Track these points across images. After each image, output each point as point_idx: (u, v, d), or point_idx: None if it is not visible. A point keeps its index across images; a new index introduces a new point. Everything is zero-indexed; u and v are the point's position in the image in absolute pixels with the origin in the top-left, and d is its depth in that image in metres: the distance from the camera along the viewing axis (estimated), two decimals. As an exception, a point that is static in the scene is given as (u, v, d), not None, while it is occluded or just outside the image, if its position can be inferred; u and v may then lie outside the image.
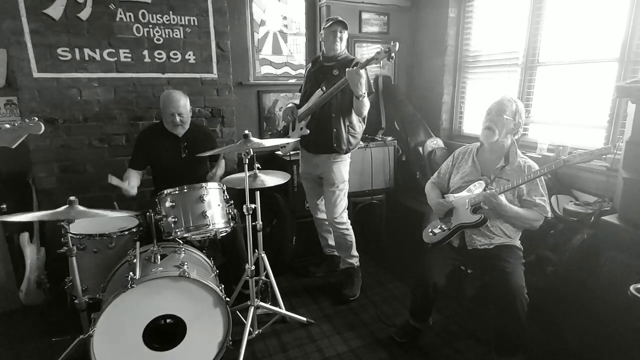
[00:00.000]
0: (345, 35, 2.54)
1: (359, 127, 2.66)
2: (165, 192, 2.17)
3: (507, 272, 1.96)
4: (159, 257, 1.99)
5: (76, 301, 1.80)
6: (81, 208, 1.67)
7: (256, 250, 2.43)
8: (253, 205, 2.17)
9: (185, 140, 2.60)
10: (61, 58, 2.70)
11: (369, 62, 2.31)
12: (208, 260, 2.28)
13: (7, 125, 1.84)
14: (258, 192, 2.31)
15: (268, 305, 2.38)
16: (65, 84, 2.75)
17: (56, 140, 2.79)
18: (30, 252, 2.57)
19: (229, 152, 2.86)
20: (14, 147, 1.87)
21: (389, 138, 3.47)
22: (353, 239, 2.81)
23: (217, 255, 2.67)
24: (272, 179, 2.28)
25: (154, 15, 2.87)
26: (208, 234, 2.23)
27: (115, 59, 2.84)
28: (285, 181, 2.33)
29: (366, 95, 2.42)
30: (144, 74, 2.94)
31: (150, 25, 2.88)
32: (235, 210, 2.33)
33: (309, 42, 3.71)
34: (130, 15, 2.81)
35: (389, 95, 3.74)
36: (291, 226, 3.14)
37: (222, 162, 2.81)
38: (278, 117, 3.61)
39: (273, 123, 3.63)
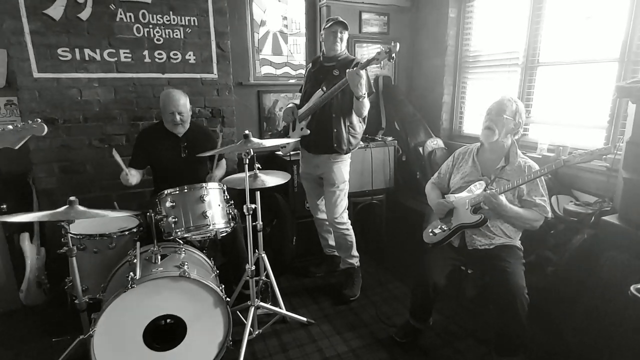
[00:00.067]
0: (345, 35, 2.55)
1: (359, 127, 2.66)
2: (166, 192, 2.17)
3: (507, 272, 1.96)
4: (159, 257, 2.00)
5: (76, 301, 1.80)
6: (81, 208, 1.67)
7: (256, 251, 2.43)
8: (253, 206, 2.17)
9: (185, 140, 2.60)
10: (61, 58, 2.70)
11: (369, 62, 2.31)
12: (208, 261, 2.28)
13: (10, 127, 1.85)
14: (258, 192, 2.31)
15: (268, 306, 2.38)
16: (66, 84, 2.75)
17: (56, 141, 2.79)
18: (31, 252, 2.57)
19: (229, 152, 2.86)
20: (16, 148, 1.88)
21: (389, 138, 3.47)
22: (353, 239, 2.81)
23: (217, 256, 2.67)
24: (272, 179, 2.28)
25: (154, 16, 2.87)
26: (208, 234, 2.23)
27: (116, 59, 2.84)
28: (286, 181, 2.34)
29: (366, 95, 2.42)
30: (144, 74, 2.94)
31: (151, 26, 2.88)
32: (236, 211, 2.33)
33: (309, 42, 3.72)
34: (130, 16, 2.81)
35: (389, 96, 3.74)
36: (291, 226, 3.14)
37: (223, 162, 2.82)
38: (278, 118, 3.61)
39: (273, 123, 3.63)
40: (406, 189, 3.59)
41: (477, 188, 2.13)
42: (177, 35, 2.96)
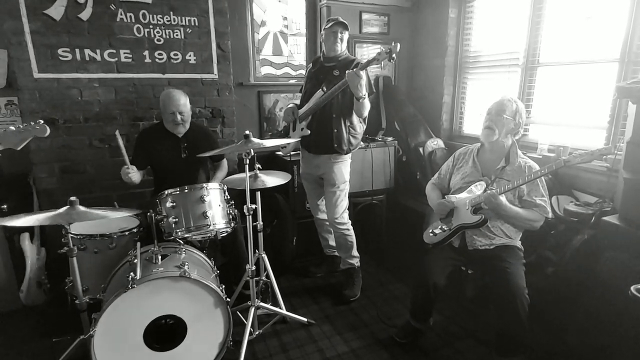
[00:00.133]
0: (345, 35, 2.55)
1: (360, 127, 2.66)
2: (166, 192, 2.17)
3: (507, 272, 1.96)
4: (159, 257, 1.99)
5: (77, 301, 1.80)
6: (82, 208, 1.67)
7: (257, 251, 2.43)
8: (254, 206, 2.17)
9: (185, 140, 2.60)
10: (62, 58, 2.70)
11: (369, 63, 2.31)
12: (209, 261, 2.28)
13: (12, 128, 1.86)
14: (259, 192, 2.31)
15: (268, 306, 2.39)
16: (66, 84, 2.75)
17: (57, 141, 2.79)
18: (31, 253, 2.57)
19: (229, 153, 2.86)
20: (18, 149, 1.89)
21: (390, 138, 3.47)
22: (354, 239, 2.81)
23: (217, 256, 2.67)
24: (272, 180, 2.28)
25: (155, 16, 2.87)
26: (209, 234, 2.23)
27: (116, 59, 2.84)
28: (286, 181, 2.34)
29: (366, 96, 2.42)
30: (144, 74, 2.94)
31: (151, 26, 2.88)
32: (236, 211, 2.33)
33: (309, 42, 3.72)
34: (130, 16, 2.81)
35: (390, 96, 3.74)
36: (292, 226, 3.14)
37: (225, 162, 2.82)
38: (278, 118, 3.61)
39: (273, 123, 3.63)
40: (406, 189, 3.59)
41: (478, 188, 2.13)
42: (177, 35, 2.96)
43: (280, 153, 3.11)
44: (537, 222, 2.07)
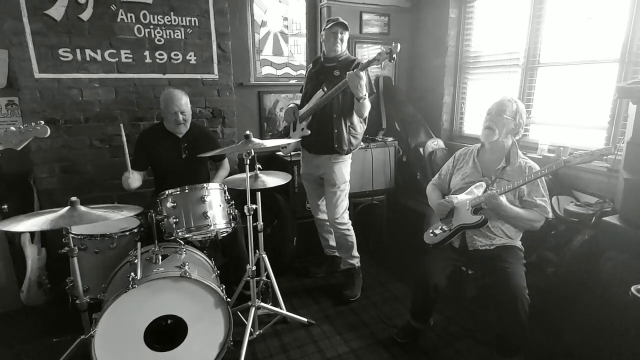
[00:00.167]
0: (346, 36, 2.55)
1: (360, 127, 2.66)
2: (167, 192, 2.18)
3: (508, 272, 1.96)
4: (160, 257, 2.00)
5: (77, 301, 1.80)
6: (83, 208, 1.67)
7: (257, 251, 2.43)
8: (254, 206, 2.18)
9: (185, 140, 2.60)
10: (62, 59, 2.71)
11: (370, 63, 2.31)
12: (209, 261, 2.29)
13: (13, 128, 1.87)
14: (259, 192, 2.31)
15: (269, 306, 2.39)
16: (67, 84, 2.76)
17: (57, 141, 2.80)
18: (31, 253, 2.57)
19: (229, 153, 2.86)
20: (19, 149, 1.89)
21: (390, 139, 3.47)
22: (354, 239, 2.81)
23: (217, 256, 2.67)
24: (273, 180, 2.28)
25: (155, 16, 2.87)
26: (209, 235, 2.23)
27: (117, 59, 2.84)
28: (286, 182, 2.34)
29: (367, 96, 2.42)
30: (145, 74, 2.94)
31: (152, 26, 2.88)
32: (236, 211, 2.33)
33: (309, 42, 3.72)
34: (131, 16, 2.81)
35: (390, 96, 3.74)
36: (292, 227, 3.14)
37: (226, 162, 2.82)
38: (279, 118, 3.61)
39: (274, 124, 3.63)
40: (406, 190, 3.59)
41: (478, 189, 2.14)
42: (177, 35, 2.97)
43: (280, 153, 3.11)
44: (538, 223, 2.07)
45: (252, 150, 2.06)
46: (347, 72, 2.30)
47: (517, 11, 3.05)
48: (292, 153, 2.99)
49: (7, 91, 2.80)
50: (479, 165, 2.22)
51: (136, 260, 1.91)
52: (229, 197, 2.32)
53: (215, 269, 2.26)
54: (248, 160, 2.06)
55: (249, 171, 2.10)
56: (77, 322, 1.83)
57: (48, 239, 2.75)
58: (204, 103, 3.17)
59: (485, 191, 2.09)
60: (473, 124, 3.67)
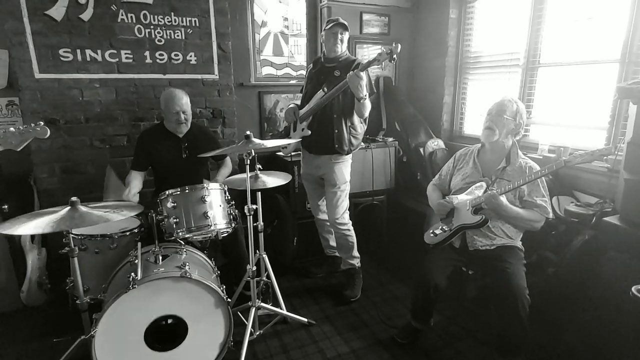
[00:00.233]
0: (346, 36, 2.55)
1: (361, 127, 2.66)
2: (167, 192, 2.17)
3: (508, 273, 1.96)
4: (160, 257, 2.00)
5: (77, 302, 1.80)
6: (84, 208, 1.66)
7: (257, 251, 2.43)
8: (254, 206, 2.18)
9: (186, 140, 2.61)
10: (63, 59, 2.71)
11: (370, 63, 2.31)
12: (209, 261, 2.29)
13: (12, 129, 1.87)
14: (259, 192, 2.31)
15: (269, 306, 2.39)
16: (67, 84, 2.76)
17: (57, 141, 2.80)
18: (32, 253, 2.57)
19: (230, 153, 2.86)
20: (18, 150, 1.89)
21: (390, 139, 3.47)
22: (354, 239, 2.81)
23: (218, 256, 2.67)
24: (273, 180, 2.28)
25: (156, 16, 2.88)
26: (209, 235, 2.22)
27: (117, 59, 2.85)
28: (287, 182, 2.34)
29: (367, 96, 2.42)
30: (145, 74, 2.94)
31: (152, 26, 2.89)
32: (237, 211, 2.33)
33: (309, 43, 3.72)
34: (131, 16, 2.82)
35: (390, 96, 3.75)
36: (292, 227, 3.14)
37: (228, 160, 2.82)
38: (279, 118, 3.62)
39: (274, 124, 3.63)
40: (407, 190, 3.59)
41: (478, 189, 2.14)
42: (178, 36, 2.97)
43: (280, 153, 3.12)
44: (538, 223, 2.07)
45: (253, 151, 2.06)
46: (348, 73, 2.30)
47: (518, 11, 3.05)
48: (293, 153, 2.99)
49: (7, 91, 2.81)
50: (479, 166, 2.22)
51: (136, 261, 1.91)
52: (229, 197, 2.32)
53: (216, 269, 2.26)
54: (248, 161, 2.06)
55: (250, 171, 2.10)
56: (77, 322, 1.83)
57: (48, 239, 2.74)
58: (204, 103, 3.17)
59: (485, 191, 2.09)
60: (473, 124, 3.67)
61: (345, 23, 2.50)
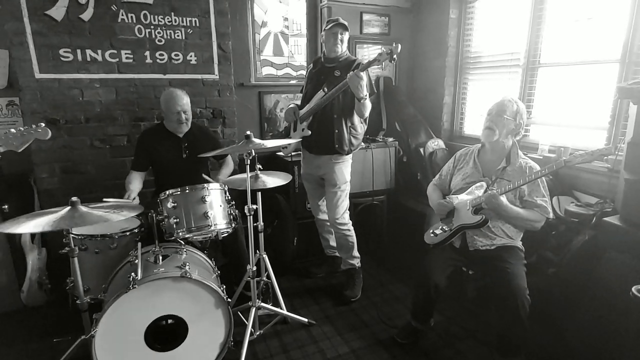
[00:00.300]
0: (346, 36, 2.55)
1: (361, 128, 2.66)
2: (167, 192, 2.17)
3: (508, 273, 1.96)
4: (160, 257, 2.00)
5: (78, 302, 1.80)
6: (84, 208, 1.66)
7: (257, 251, 2.43)
8: (254, 206, 2.18)
9: (186, 140, 2.61)
10: (63, 59, 2.71)
11: (370, 64, 2.31)
12: (209, 261, 2.29)
13: (13, 130, 1.88)
14: (259, 193, 2.31)
15: (269, 306, 2.39)
16: (67, 84, 2.76)
17: (58, 141, 2.80)
18: (32, 253, 2.57)
19: (230, 153, 2.87)
20: (19, 151, 1.90)
21: (390, 139, 3.47)
22: (354, 239, 2.81)
23: (218, 256, 2.67)
24: (273, 180, 2.28)
25: (156, 17, 2.88)
26: (209, 235, 2.22)
27: (117, 59, 2.85)
28: (287, 182, 2.34)
29: (368, 97, 2.42)
30: (145, 74, 2.94)
31: (152, 26, 2.89)
32: (237, 211, 2.33)
33: (310, 43, 3.72)
34: (132, 17, 2.82)
35: (390, 97, 3.74)
36: (292, 227, 3.14)
37: (230, 158, 2.82)
38: (279, 118, 3.62)
39: (274, 124, 3.63)
40: (407, 190, 3.59)
41: (478, 189, 2.14)
42: (178, 36, 2.97)
43: (281, 153, 3.12)
44: (538, 223, 2.07)
45: (253, 151, 2.06)
46: (348, 74, 2.30)
47: (518, 11, 3.05)
48: (293, 153, 2.99)
49: (7, 91, 2.81)
50: (479, 166, 2.22)
51: (137, 261, 1.91)
52: (229, 197, 2.32)
53: (216, 269, 2.26)
54: (249, 161, 2.06)
55: (250, 171, 2.10)
56: (77, 322, 1.83)
57: (48, 239, 2.75)
58: (205, 103, 3.17)
59: (485, 191, 2.09)
60: (473, 124, 3.67)
61: (345, 23, 2.50)
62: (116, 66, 2.85)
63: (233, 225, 2.29)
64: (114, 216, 1.67)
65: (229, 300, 2.00)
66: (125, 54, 2.86)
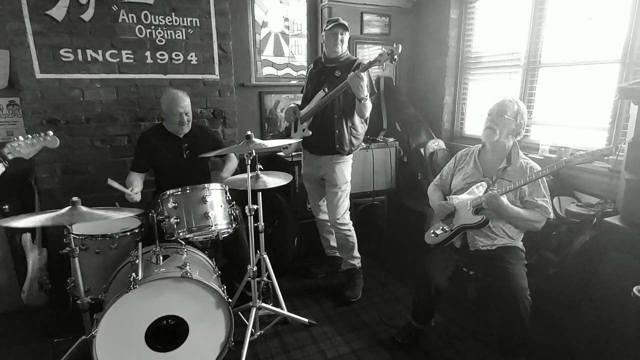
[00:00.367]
0: (346, 37, 2.55)
1: (361, 128, 2.66)
2: (168, 192, 2.17)
3: (509, 273, 1.96)
4: (161, 257, 1.99)
5: (78, 302, 1.80)
6: (84, 209, 1.67)
7: (258, 251, 2.43)
8: (255, 206, 2.18)
9: (186, 140, 2.61)
10: (64, 59, 2.71)
11: (371, 64, 2.31)
12: (210, 261, 2.28)
13: (22, 138, 1.91)
14: (260, 193, 2.31)
15: (270, 307, 2.39)
16: (68, 84, 2.76)
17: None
18: (32, 253, 2.57)
19: (230, 153, 2.87)
20: (28, 159, 1.94)
21: (391, 139, 3.47)
22: (355, 240, 2.81)
23: (218, 256, 2.67)
24: (274, 180, 2.28)
25: (156, 17, 2.88)
26: (210, 235, 2.22)
27: (118, 60, 2.85)
28: (287, 182, 2.34)
29: (368, 97, 2.42)
30: (146, 75, 2.94)
31: (153, 27, 2.89)
32: (238, 211, 2.33)
33: (310, 43, 3.72)
34: (132, 17, 2.82)
35: (391, 97, 3.74)
36: (293, 227, 3.14)
37: (233, 154, 2.81)
38: (280, 119, 3.62)
39: (275, 124, 3.63)
40: (407, 190, 3.58)
41: (479, 189, 2.13)
42: (179, 36, 2.97)
43: (281, 154, 3.12)
44: (539, 223, 2.07)
45: (254, 151, 2.06)
46: (349, 74, 2.30)
47: (518, 12, 3.04)
48: (293, 153, 2.99)
49: (8, 91, 2.80)
50: (480, 166, 2.22)
51: (137, 261, 1.90)
52: (230, 198, 2.32)
53: (217, 269, 2.26)
54: (249, 161, 2.06)
55: (250, 171, 2.10)
56: (78, 322, 1.83)
57: (49, 239, 2.75)
58: (205, 103, 3.17)
59: (486, 191, 2.09)
60: (474, 124, 3.66)
61: (346, 23, 2.50)
62: (117, 66, 2.86)
63: (234, 225, 2.29)
64: (114, 214, 1.68)
65: (229, 300, 2.00)
66: (126, 54, 2.86)
